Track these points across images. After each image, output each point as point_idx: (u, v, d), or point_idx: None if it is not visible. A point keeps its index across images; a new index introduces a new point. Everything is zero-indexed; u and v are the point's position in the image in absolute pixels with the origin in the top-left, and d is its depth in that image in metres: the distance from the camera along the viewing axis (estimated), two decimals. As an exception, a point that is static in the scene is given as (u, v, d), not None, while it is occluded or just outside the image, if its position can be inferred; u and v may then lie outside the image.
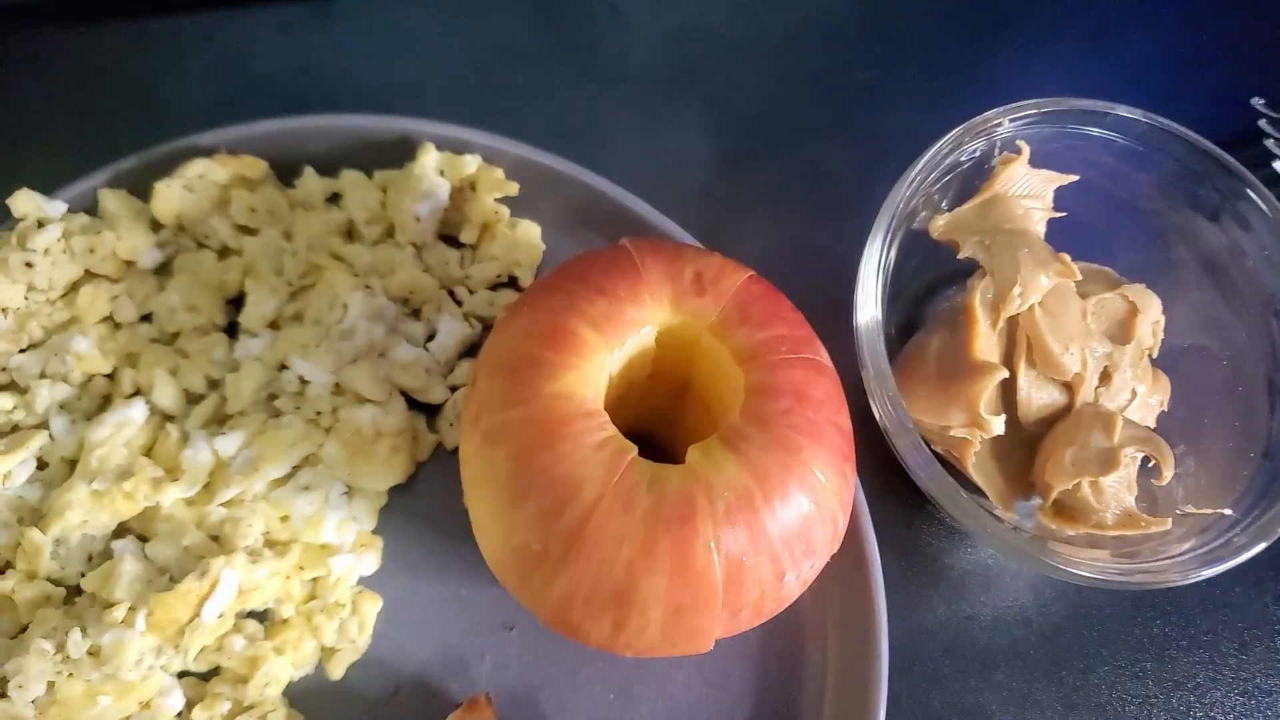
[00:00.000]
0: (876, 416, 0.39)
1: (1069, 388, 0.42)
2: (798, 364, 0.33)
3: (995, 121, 0.41)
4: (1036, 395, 0.42)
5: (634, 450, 0.31)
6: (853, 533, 0.41)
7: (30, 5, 0.44)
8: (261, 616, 0.38)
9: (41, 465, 0.38)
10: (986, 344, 0.40)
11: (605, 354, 0.32)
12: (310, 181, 0.42)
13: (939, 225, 0.43)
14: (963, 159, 0.42)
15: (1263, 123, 0.48)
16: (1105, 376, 0.42)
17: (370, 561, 0.40)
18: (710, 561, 0.31)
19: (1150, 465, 0.41)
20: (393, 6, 0.47)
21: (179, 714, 0.36)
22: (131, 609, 0.35)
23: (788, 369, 0.33)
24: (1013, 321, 0.41)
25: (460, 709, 0.37)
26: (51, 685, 0.34)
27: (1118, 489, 0.40)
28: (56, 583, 0.36)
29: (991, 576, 0.44)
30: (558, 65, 0.48)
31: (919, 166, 0.40)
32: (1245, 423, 0.41)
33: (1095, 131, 0.42)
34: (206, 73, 0.46)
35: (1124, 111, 0.41)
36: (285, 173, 0.42)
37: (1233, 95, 0.50)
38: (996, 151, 0.42)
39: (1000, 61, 0.50)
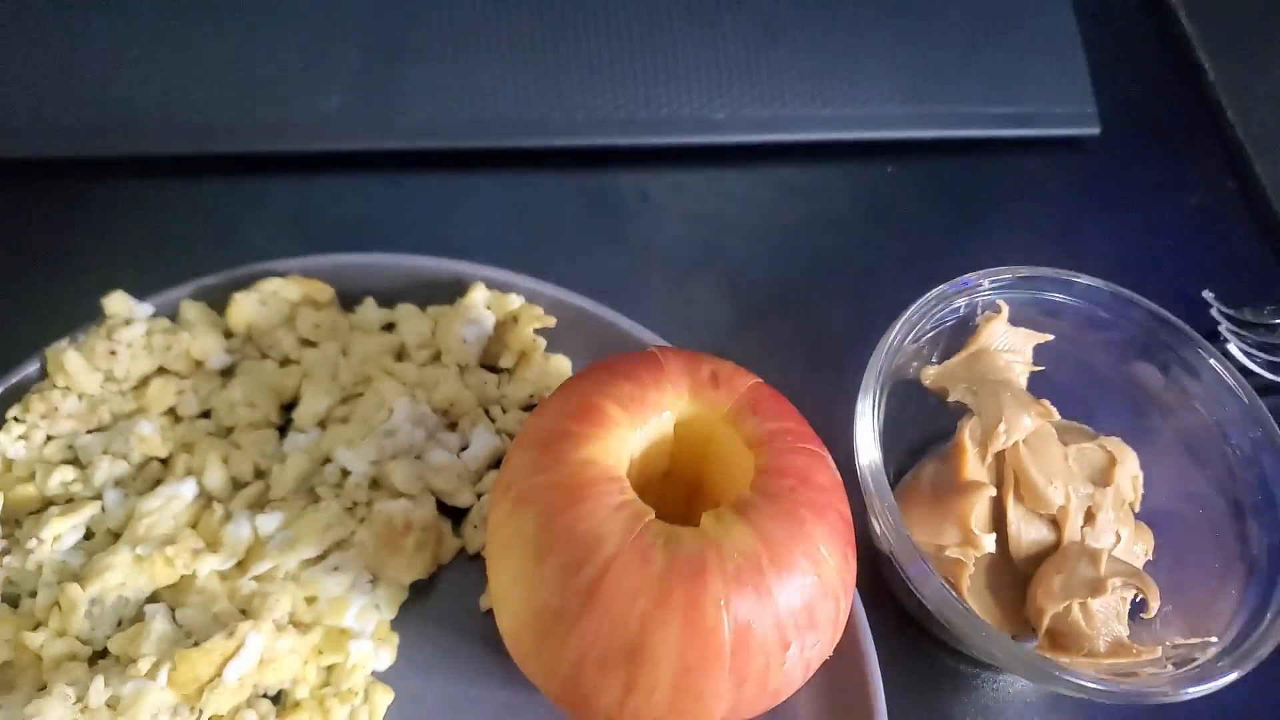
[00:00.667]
0: (879, 536, 0.41)
1: (1056, 525, 0.44)
2: (803, 452, 0.36)
3: (976, 282, 0.46)
4: (1026, 531, 0.44)
5: (651, 513, 0.34)
6: (854, 652, 0.42)
7: (145, 160, 0.52)
8: (275, 699, 0.39)
9: (88, 535, 0.41)
10: (976, 470, 0.44)
11: (629, 429, 0.36)
12: (369, 309, 0.47)
13: (929, 374, 0.47)
14: (948, 317, 0.47)
15: (1213, 311, 0.54)
16: (1090, 517, 0.45)
17: (386, 656, 0.41)
18: (719, 619, 0.33)
19: (1139, 601, 0.43)
20: (457, 178, 0.55)
21: (183, 784, 0.36)
22: (155, 664, 0.36)
23: (794, 455, 0.36)
24: (1000, 459, 0.45)
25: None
26: (68, 733, 0.35)
27: (1107, 616, 0.42)
28: (85, 643, 0.38)
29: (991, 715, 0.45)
30: (595, 235, 0.54)
31: (906, 315, 0.45)
32: (1224, 565, 0.44)
33: (1062, 298, 0.47)
34: (287, 221, 0.52)
35: (1088, 280, 0.47)
36: (348, 302, 0.48)
37: (1186, 293, 0.56)
38: (979, 311, 0.47)
39: (983, 240, 0.57)
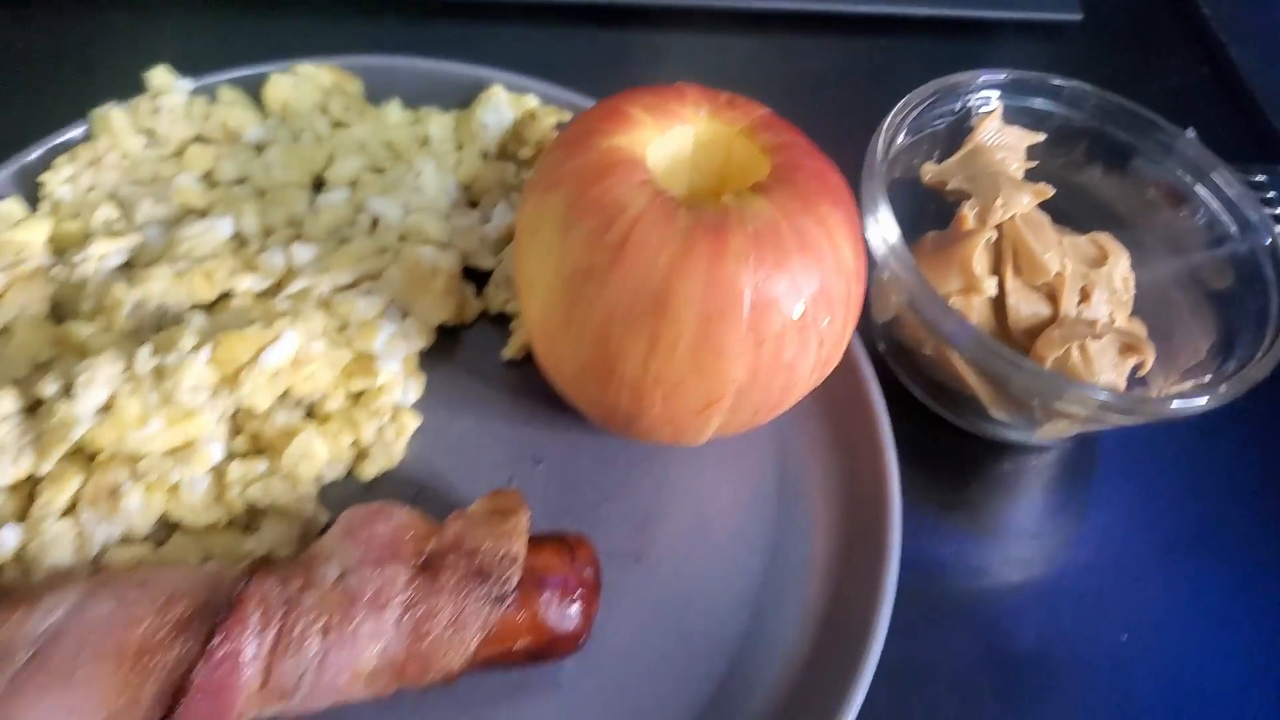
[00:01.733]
0: (891, 288, 0.43)
1: (1053, 300, 0.46)
2: (817, 157, 0.39)
3: (965, 83, 0.49)
4: (1024, 305, 0.46)
5: (673, 192, 0.36)
6: (866, 411, 0.44)
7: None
8: (308, 413, 0.40)
9: (129, 265, 0.42)
10: (975, 237, 0.46)
11: (652, 131, 0.38)
12: (395, 109, 0.50)
13: (928, 170, 0.50)
14: (944, 115, 0.49)
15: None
16: (1084, 295, 0.47)
17: (413, 390, 0.42)
18: (739, 271, 0.34)
19: (1135, 374, 0.45)
20: (477, 28, 0.58)
21: (214, 466, 0.37)
22: (198, 344, 0.37)
23: (808, 158, 0.38)
24: (998, 243, 0.47)
25: (487, 496, 0.38)
26: (112, 398, 0.36)
27: (1104, 365, 0.43)
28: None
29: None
30: (607, 88, 0.57)
31: (906, 100, 0.47)
32: (1205, 340, 0.46)
33: (1050, 104, 0.50)
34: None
35: (1075, 84, 0.50)
36: (374, 105, 0.50)
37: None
38: (973, 115, 0.50)
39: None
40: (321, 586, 0.33)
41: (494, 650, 0.35)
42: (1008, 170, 0.49)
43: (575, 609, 0.36)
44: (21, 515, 0.35)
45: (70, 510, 0.35)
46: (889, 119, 0.47)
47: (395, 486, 0.40)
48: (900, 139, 0.47)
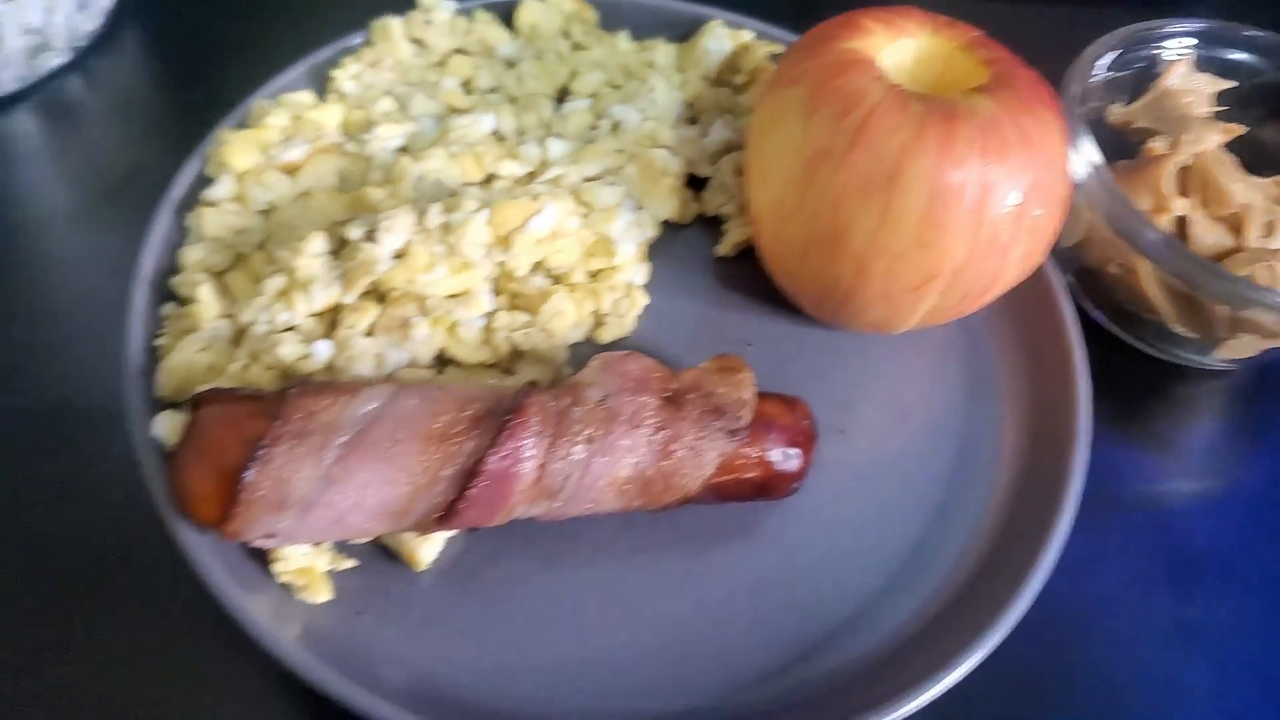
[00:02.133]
0: (1089, 214, 0.47)
1: (1236, 231, 0.49)
2: (1032, 72, 0.43)
3: (1156, 29, 0.52)
4: (1208, 235, 0.49)
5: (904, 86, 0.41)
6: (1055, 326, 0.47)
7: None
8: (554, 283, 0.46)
9: (404, 150, 0.49)
10: (1166, 160, 0.49)
11: (883, 39, 0.43)
12: (624, 37, 0.55)
13: (1115, 111, 0.53)
14: (1134, 61, 0.53)
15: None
16: (1269, 229, 0.49)
17: (641, 273, 0.47)
18: (967, 156, 0.38)
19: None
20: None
21: (485, 314, 0.43)
22: (478, 208, 0.43)
23: (1024, 71, 0.42)
24: (1184, 174, 0.50)
25: (712, 359, 0.43)
26: (406, 245, 0.42)
27: (1289, 285, 0.46)
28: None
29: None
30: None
31: (1097, 44, 0.51)
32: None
33: (1243, 54, 0.53)
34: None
35: (1271, 34, 0.53)
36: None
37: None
38: (1162, 61, 0.53)
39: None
40: (587, 404, 0.38)
41: (724, 479, 0.39)
42: (1196, 113, 0.52)
43: (795, 453, 0.40)
44: (328, 336, 0.41)
45: (369, 334, 0.41)
46: (1083, 55, 0.50)
47: (625, 351, 0.46)
48: (1091, 80, 0.51)
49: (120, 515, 0.40)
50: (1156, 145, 0.50)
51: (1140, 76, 0.53)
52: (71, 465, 0.42)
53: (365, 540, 0.39)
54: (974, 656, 0.37)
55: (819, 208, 0.40)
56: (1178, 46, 0.53)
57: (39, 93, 0.55)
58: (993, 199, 0.39)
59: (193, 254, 0.44)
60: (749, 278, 0.49)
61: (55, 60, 0.55)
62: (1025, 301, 0.48)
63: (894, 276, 0.41)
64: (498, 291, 0.44)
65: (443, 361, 0.43)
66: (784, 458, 0.40)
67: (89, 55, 0.57)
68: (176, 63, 0.59)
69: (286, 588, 0.38)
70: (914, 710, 0.36)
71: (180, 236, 0.45)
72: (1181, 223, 0.49)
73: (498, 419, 0.37)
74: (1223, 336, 0.47)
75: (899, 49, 0.44)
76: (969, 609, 0.40)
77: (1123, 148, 0.53)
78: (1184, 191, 0.50)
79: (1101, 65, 0.51)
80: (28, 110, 0.55)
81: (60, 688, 0.37)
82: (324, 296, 0.41)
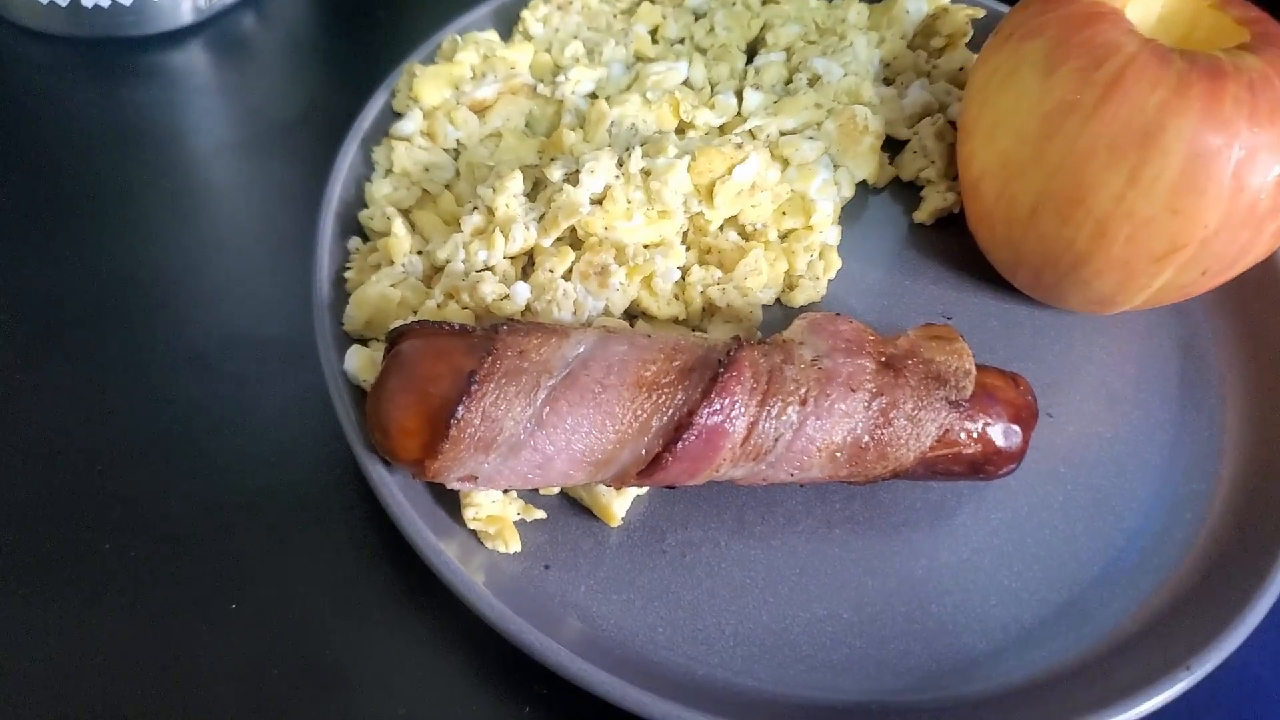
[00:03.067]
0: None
1: None
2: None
3: None
4: None
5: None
6: None
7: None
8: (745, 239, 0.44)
9: (593, 97, 0.47)
10: None
11: (1127, -4, 0.40)
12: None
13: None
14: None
15: None
16: None
17: (835, 233, 0.45)
18: (1235, 115, 0.35)
19: None
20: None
21: (681, 267, 0.41)
22: (680, 154, 0.41)
23: (1285, 31, 0.39)
24: None
25: (921, 326, 0.40)
26: (606, 189, 0.40)
27: None
28: (606, 150, 0.43)
29: None
30: None
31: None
32: None
33: None
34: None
35: None
36: None
37: None
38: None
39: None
40: (800, 363, 0.36)
41: (942, 452, 0.37)
42: None
43: (1018, 429, 0.37)
44: (523, 279, 0.39)
45: (566, 278, 0.39)
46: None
47: (817, 319, 0.43)
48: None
49: (306, 452, 0.39)
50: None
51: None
52: (254, 399, 0.41)
53: (555, 492, 0.37)
54: (1205, 664, 0.34)
55: (1059, 165, 0.38)
56: None
57: (212, 27, 0.55)
58: (1257, 167, 0.36)
59: (381, 188, 0.42)
60: (948, 247, 0.46)
61: (231, -6, 0.54)
62: (1246, 285, 0.44)
63: (1136, 243, 0.38)
64: (688, 246, 0.42)
65: (631, 317, 0.41)
66: (1006, 433, 0.37)
67: (263, -8, 0.56)
68: (350, 3, 0.58)
69: (476, 535, 0.36)
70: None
71: (366, 170, 0.44)
72: None
73: (707, 372, 0.35)
74: None
75: (1144, 3, 0.41)
76: (1198, 611, 0.37)
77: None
78: None
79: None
80: (200, 44, 0.54)
81: (250, 620, 0.36)
82: (521, 238, 0.39)
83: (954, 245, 0.45)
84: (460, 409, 0.32)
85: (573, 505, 0.38)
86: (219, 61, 0.54)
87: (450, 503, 0.36)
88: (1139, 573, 0.38)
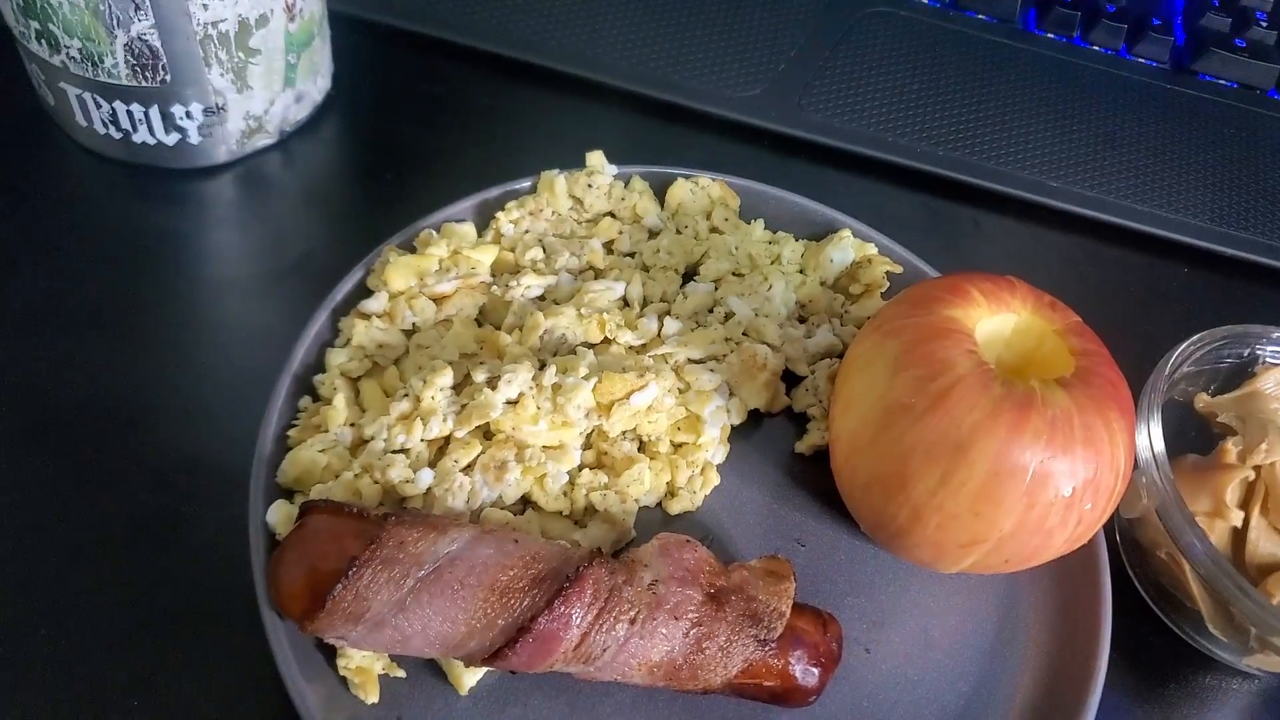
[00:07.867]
0: (1143, 491, 0.49)
1: (1295, 548, 0.51)
2: (1113, 371, 0.46)
3: (1258, 333, 0.55)
4: (1265, 545, 0.51)
5: (992, 366, 0.44)
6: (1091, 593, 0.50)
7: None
8: (639, 448, 0.51)
9: (543, 299, 0.54)
10: (1233, 471, 0.51)
11: (984, 311, 0.46)
12: (759, 226, 0.60)
13: (1203, 399, 0.55)
14: (1228, 356, 0.55)
15: None
16: (1326, 553, 0.51)
17: (720, 454, 0.52)
18: (1032, 445, 0.42)
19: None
20: (835, 176, 0.68)
21: (574, 468, 0.48)
22: (587, 375, 0.48)
23: (1107, 369, 0.45)
24: (1253, 482, 0.52)
25: (765, 558, 0.47)
26: (520, 396, 0.47)
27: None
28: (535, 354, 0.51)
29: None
30: (928, 251, 0.64)
31: (1193, 340, 0.53)
32: None
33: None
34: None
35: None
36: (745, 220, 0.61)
37: None
38: (1260, 361, 0.55)
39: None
40: (638, 586, 0.43)
41: (745, 681, 0.43)
42: (1279, 421, 0.54)
43: (816, 671, 0.44)
44: (432, 464, 0.47)
45: (467, 470, 0.46)
46: (1180, 349, 0.53)
47: (690, 527, 0.50)
48: (1184, 368, 0.53)
49: (230, 578, 0.46)
50: (1230, 448, 0.52)
51: (1236, 371, 0.56)
52: (196, 518, 0.48)
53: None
54: None
55: (889, 453, 0.44)
56: (1278, 351, 0.55)
57: (243, 164, 0.63)
58: (1047, 488, 0.42)
59: (337, 357, 0.50)
60: (818, 480, 0.52)
61: (264, 141, 0.62)
62: (1070, 565, 0.50)
63: (945, 531, 0.44)
64: (587, 446, 0.49)
65: (525, 502, 0.48)
66: (804, 673, 0.44)
67: (292, 138, 0.65)
68: (368, 157, 0.66)
69: (344, 681, 0.43)
70: None
71: (331, 337, 0.51)
72: (1238, 529, 0.51)
73: (557, 583, 0.41)
74: (1254, 648, 0.49)
75: (999, 321, 0.48)
76: None
77: (1202, 435, 0.55)
78: (1249, 496, 0.52)
79: (1202, 354, 0.54)
80: (230, 178, 0.62)
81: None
82: (438, 429, 0.46)
83: (826, 479, 0.52)
84: (338, 587, 0.39)
85: (432, 667, 0.44)
86: (241, 198, 0.62)
87: (331, 650, 0.43)
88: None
